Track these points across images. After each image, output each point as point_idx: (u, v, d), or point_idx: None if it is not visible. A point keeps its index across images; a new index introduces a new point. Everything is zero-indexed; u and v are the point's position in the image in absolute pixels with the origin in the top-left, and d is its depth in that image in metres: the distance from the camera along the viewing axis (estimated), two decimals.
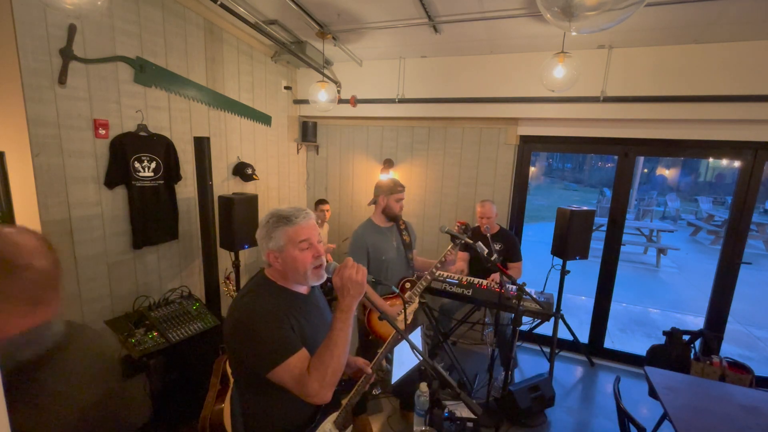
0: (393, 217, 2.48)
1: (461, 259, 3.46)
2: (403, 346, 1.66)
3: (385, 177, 2.48)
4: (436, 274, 3.09)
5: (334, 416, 1.37)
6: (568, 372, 3.46)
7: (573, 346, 3.64)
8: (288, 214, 1.26)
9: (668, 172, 17.46)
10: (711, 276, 3.38)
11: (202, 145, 2.50)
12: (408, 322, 2.30)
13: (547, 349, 3.54)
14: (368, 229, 2.48)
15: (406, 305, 2.26)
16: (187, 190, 2.85)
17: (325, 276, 1.30)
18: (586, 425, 2.80)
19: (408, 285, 2.49)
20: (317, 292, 1.46)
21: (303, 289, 1.34)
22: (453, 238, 2.46)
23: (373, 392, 2.76)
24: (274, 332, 1.16)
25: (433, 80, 3.59)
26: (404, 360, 1.70)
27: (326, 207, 3.93)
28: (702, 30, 2.61)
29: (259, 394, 1.24)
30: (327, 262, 1.32)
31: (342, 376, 1.42)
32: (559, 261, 3.27)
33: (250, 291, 1.28)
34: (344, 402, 1.40)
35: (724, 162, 14.90)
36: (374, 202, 2.52)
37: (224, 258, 2.92)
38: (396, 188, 2.41)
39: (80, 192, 2.22)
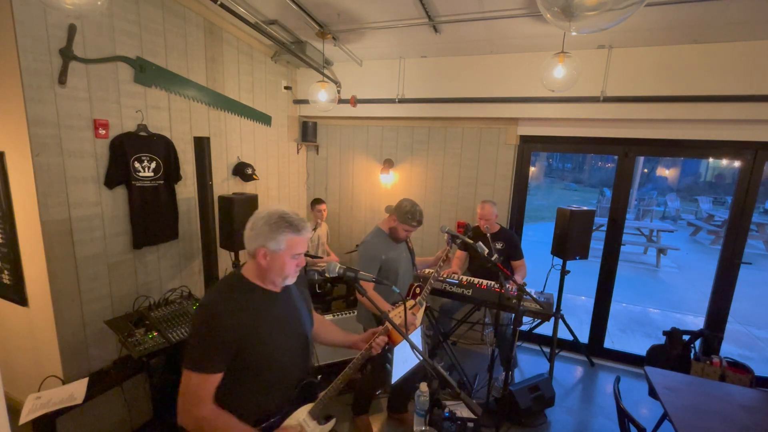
0: (396, 240, 2.43)
1: (456, 259, 3.46)
2: (404, 345, 1.66)
3: (408, 202, 2.39)
4: (440, 275, 3.11)
5: (309, 406, 1.40)
6: (568, 372, 3.46)
7: (573, 346, 3.64)
8: (296, 223, 1.27)
9: (668, 172, 17.44)
10: (711, 276, 3.38)
11: (202, 145, 2.51)
12: (418, 324, 2.31)
13: (547, 349, 3.54)
14: (382, 239, 2.38)
15: (416, 304, 2.28)
16: (187, 190, 2.85)
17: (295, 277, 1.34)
18: (586, 425, 2.80)
19: (418, 290, 2.49)
20: (294, 291, 1.45)
21: (276, 288, 1.36)
22: (452, 237, 2.47)
23: (376, 393, 2.77)
24: (204, 341, 1.19)
25: (433, 80, 3.58)
26: (404, 360, 1.70)
27: (323, 207, 3.89)
28: (702, 30, 2.61)
29: (225, 377, 1.26)
30: (328, 261, 1.32)
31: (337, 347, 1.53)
32: (559, 261, 3.27)
33: (217, 288, 1.32)
34: (321, 395, 1.42)
35: (724, 162, 14.89)
36: (390, 212, 2.45)
37: (224, 258, 2.92)
38: (410, 222, 2.33)
39: (80, 192, 2.22)
